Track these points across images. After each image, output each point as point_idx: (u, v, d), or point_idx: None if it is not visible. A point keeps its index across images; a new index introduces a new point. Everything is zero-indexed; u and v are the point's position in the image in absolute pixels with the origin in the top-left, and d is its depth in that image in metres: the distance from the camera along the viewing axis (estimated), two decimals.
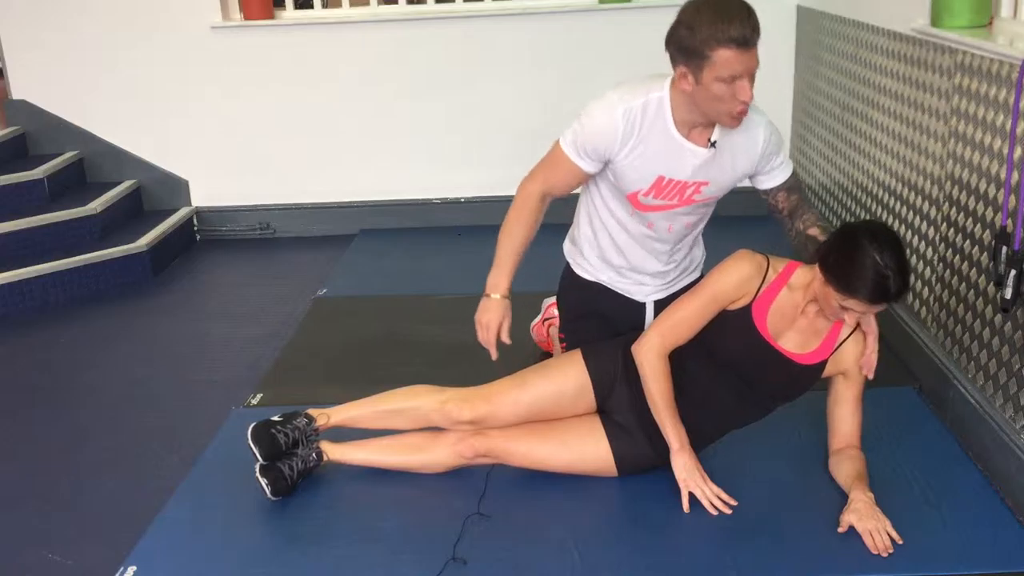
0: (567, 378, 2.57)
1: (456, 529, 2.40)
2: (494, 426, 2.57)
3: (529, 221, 2.57)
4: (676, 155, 2.39)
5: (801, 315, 2.41)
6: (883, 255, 2.19)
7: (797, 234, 2.57)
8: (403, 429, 2.66)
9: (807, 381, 2.48)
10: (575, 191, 2.67)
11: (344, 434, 2.68)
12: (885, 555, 2.22)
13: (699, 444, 2.51)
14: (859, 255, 2.20)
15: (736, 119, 2.30)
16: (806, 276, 2.40)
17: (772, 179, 2.56)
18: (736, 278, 2.41)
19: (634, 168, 2.43)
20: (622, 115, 2.36)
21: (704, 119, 2.36)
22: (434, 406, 2.59)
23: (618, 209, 2.59)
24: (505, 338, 2.59)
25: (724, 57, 2.16)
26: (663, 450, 2.48)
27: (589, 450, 2.54)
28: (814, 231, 2.51)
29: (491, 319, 2.57)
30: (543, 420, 2.58)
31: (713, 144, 2.40)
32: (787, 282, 2.42)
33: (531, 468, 2.58)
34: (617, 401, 2.54)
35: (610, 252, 2.68)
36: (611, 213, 2.61)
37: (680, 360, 2.48)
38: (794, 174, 2.60)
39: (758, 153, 2.48)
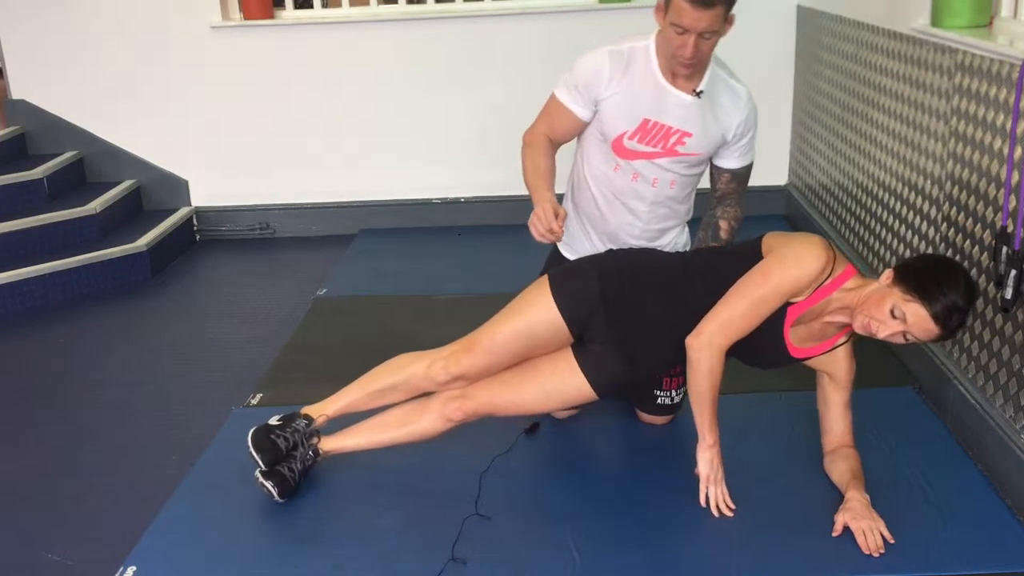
0: (535, 311, 2.52)
1: (455, 529, 2.40)
2: (478, 375, 2.56)
3: (548, 152, 2.62)
4: (661, 99, 2.47)
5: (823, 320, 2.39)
6: (968, 292, 2.21)
7: (710, 216, 2.74)
8: (398, 402, 2.66)
9: (785, 365, 2.49)
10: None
11: (339, 424, 2.68)
12: (877, 555, 2.23)
13: (658, 366, 2.58)
14: (952, 275, 2.22)
15: (682, 66, 2.43)
16: (853, 286, 2.33)
17: (731, 160, 2.60)
18: (810, 273, 2.30)
19: (620, 107, 2.50)
20: (607, 55, 2.52)
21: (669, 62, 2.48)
22: (421, 374, 2.59)
23: (601, 163, 2.63)
24: (559, 226, 2.44)
25: (679, 6, 2.30)
26: (637, 361, 2.50)
27: (566, 385, 2.53)
28: (724, 225, 2.70)
29: (543, 208, 2.44)
30: (523, 362, 2.56)
31: (698, 93, 2.49)
32: (835, 291, 2.32)
33: (520, 415, 2.64)
34: (594, 331, 2.51)
35: (591, 216, 2.70)
36: (593, 171, 2.65)
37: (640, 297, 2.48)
38: (748, 167, 2.65)
39: (740, 116, 2.54)
